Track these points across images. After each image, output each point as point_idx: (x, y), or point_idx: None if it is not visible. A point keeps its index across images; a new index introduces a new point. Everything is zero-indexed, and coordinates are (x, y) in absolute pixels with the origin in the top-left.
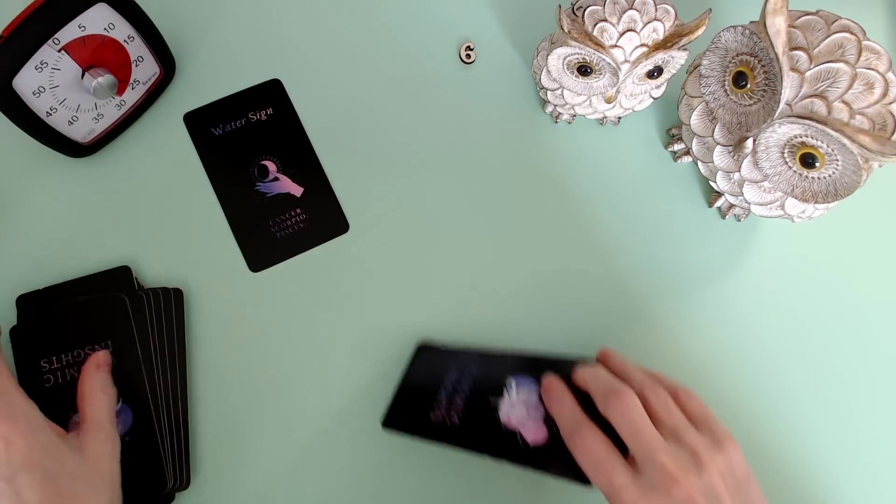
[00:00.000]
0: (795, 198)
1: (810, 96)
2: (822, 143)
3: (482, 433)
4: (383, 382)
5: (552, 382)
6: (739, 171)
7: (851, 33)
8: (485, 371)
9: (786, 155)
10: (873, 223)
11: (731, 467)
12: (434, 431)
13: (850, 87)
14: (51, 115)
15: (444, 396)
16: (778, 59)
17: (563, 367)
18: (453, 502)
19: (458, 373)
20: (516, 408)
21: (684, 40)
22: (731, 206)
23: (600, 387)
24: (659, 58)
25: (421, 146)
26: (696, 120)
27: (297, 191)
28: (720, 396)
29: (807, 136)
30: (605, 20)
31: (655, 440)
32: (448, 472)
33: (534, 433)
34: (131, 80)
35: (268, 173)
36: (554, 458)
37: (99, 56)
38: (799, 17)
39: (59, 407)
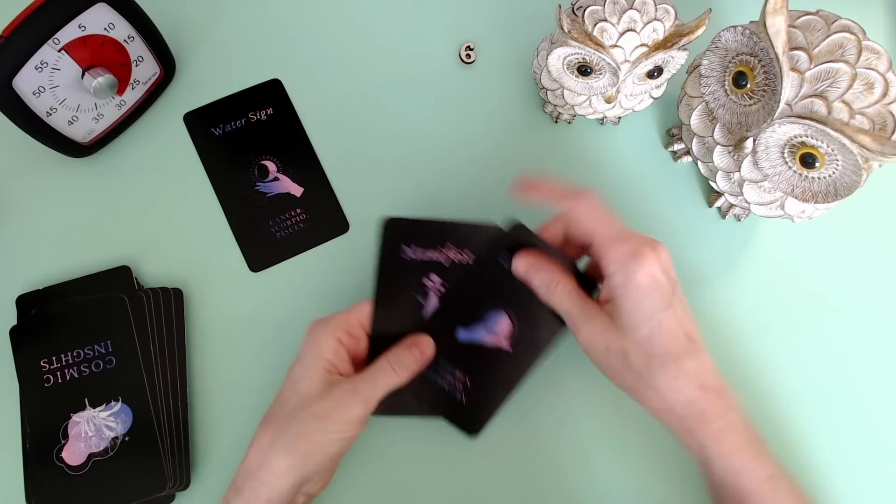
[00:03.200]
0: (795, 198)
1: (810, 96)
2: (822, 143)
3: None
4: None
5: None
6: (739, 171)
7: (851, 33)
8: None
9: (786, 155)
10: (873, 223)
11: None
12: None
13: (850, 87)
14: (51, 115)
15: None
16: (778, 59)
17: (488, 232)
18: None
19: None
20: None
21: (684, 40)
22: (731, 206)
23: (563, 190)
24: (659, 58)
25: (421, 146)
26: (696, 120)
27: (297, 191)
28: None
29: (807, 136)
30: (605, 20)
31: (622, 227)
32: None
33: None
34: (131, 80)
35: (268, 173)
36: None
37: (99, 56)
38: (799, 17)
39: (60, 406)
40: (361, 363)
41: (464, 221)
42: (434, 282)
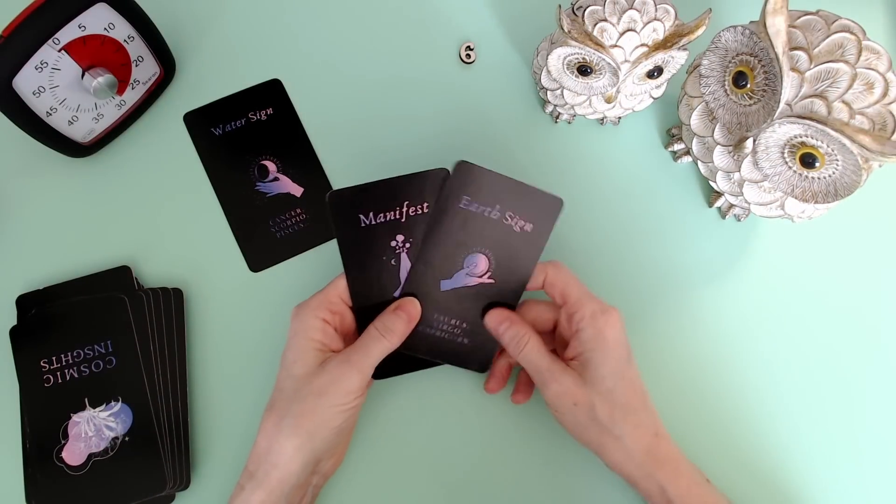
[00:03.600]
0: (795, 198)
1: (810, 96)
2: (822, 143)
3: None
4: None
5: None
6: (739, 171)
7: (851, 33)
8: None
9: (786, 155)
10: (873, 223)
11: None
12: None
13: (850, 87)
14: (51, 115)
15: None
16: (778, 59)
17: (436, 177)
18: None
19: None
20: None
21: (684, 40)
22: (731, 206)
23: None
24: (659, 58)
25: (421, 146)
26: (696, 120)
27: (297, 191)
28: (719, 395)
29: (807, 136)
30: (605, 20)
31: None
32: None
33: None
34: (131, 80)
35: (268, 173)
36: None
37: (99, 56)
38: (799, 17)
39: (60, 406)
40: (351, 337)
41: (409, 174)
42: (398, 240)
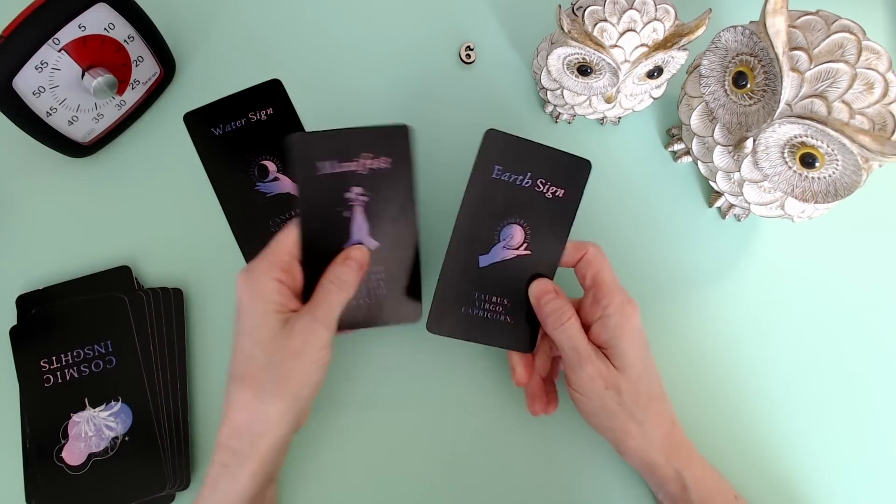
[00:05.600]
0: (795, 198)
1: (810, 96)
2: (822, 143)
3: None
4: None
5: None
6: (739, 171)
7: (851, 33)
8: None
9: (786, 155)
10: (873, 223)
11: None
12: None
13: (850, 87)
14: (51, 115)
15: None
16: (778, 59)
17: (399, 133)
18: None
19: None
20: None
21: (684, 40)
22: (731, 206)
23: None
24: (659, 58)
25: (420, 146)
26: (696, 120)
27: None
28: (720, 395)
29: (807, 136)
30: (605, 20)
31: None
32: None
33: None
34: (131, 80)
35: (268, 173)
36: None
37: (99, 56)
38: (799, 17)
39: (60, 406)
40: (301, 292)
41: (371, 126)
42: (354, 193)
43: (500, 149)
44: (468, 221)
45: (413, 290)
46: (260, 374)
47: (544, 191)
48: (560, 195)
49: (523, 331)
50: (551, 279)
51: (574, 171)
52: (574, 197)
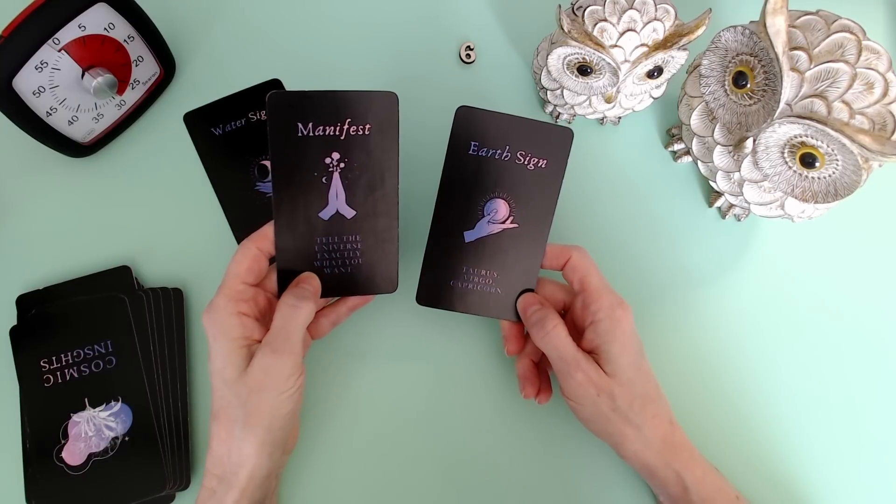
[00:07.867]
0: (795, 198)
1: (810, 96)
2: (822, 143)
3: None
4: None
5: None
6: (739, 171)
7: (851, 33)
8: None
9: (786, 155)
10: (873, 223)
11: None
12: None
13: (850, 87)
14: (51, 115)
15: None
16: (778, 59)
17: (385, 100)
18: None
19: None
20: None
21: (684, 40)
22: (731, 206)
23: (559, 246)
24: (659, 58)
25: (420, 146)
26: (696, 120)
27: None
28: (720, 395)
29: (807, 136)
30: (605, 20)
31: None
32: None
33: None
34: (131, 80)
35: (268, 173)
36: None
37: (99, 56)
38: (799, 17)
39: (60, 406)
40: (269, 310)
41: (356, 91)
42: (334, 158)
43: (474, 124)
44: (450, 200)
45: (389, 260)
46: (231, 413)
47: (525, 163)
48: (542, 165)
49: (514, 301)
50: (543, 247)
51: (556, 140)
52: (558, 166)
